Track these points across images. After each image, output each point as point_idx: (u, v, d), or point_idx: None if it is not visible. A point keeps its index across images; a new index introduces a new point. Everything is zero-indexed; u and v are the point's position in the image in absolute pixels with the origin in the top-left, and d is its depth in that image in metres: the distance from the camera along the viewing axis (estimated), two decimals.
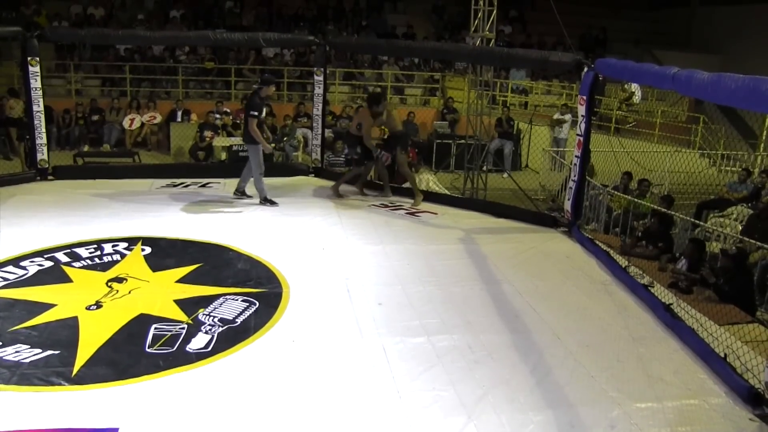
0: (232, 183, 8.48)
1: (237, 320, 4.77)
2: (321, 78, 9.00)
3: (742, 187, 9.50)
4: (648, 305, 5.32)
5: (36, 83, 8.09)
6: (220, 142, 11.76)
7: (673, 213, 7.40)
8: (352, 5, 17.89)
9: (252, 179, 7.66)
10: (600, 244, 6.56)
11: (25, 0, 15.80)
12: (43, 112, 8.24)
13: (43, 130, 8.30)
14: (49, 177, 8.41)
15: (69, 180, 8.38)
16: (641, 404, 3.97)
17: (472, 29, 9.85)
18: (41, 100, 8.17)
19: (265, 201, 7.62)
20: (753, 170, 10.34)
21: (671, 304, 5.10)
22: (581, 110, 6.85)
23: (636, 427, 3.75)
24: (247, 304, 5.03)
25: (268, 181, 8.48)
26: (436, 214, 7.64)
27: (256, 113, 7.35)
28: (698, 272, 5.99)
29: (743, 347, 4.47)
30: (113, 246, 6.07)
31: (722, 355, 4.36)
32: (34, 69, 8.06)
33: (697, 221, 8.04)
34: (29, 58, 8.02)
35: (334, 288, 5.44)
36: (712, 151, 12.04)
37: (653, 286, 5.51)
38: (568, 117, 12.88)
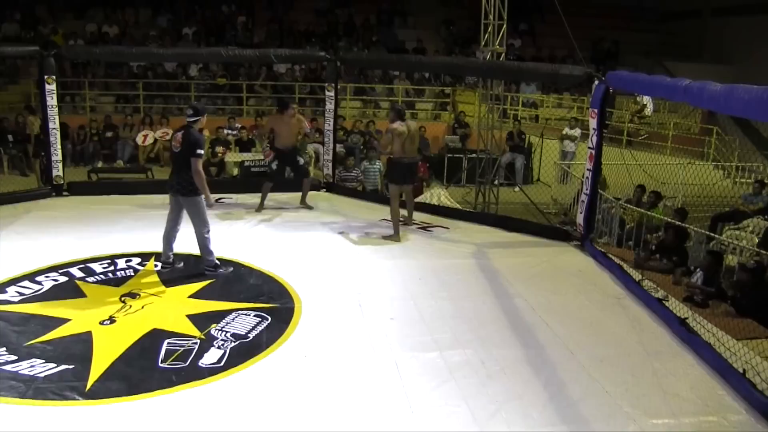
0: (243, 198, 8.57)
1: (249, 335, 4.77)
2: (332, 93, 9.06)
3: (757, 199, 9.41)
4: (662, 319, 5.26)
5: (52, 101, 8.20)
6: (232, 157, 11.84)
7: (687, 226, 7.34)
8: (362, 20, 18.02)
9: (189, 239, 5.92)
10: (613, 258, 6.51)
11: (42, 19, 16.08)
12: (58, 129, 8.35)
13: (59, 146, 8.40)
14: (64, 193, 8.50)
15: (83, 196, 8.47)
16: (657, 420, 3.92)
17: (483, 43, 9.88)
18: (57, 117, 8.28)
19: (217, 268, 5.88)
20: (767, 182, 10.24)
21: (687, 318, 5.05)
22: (592, 123, 6.83)
23: None
24: (260, 319, 5.03)
25: (280, 196, 8.51)
26: (447, 228, 7.63)
27: (202, 152, 5.69)
28: (714, 286, 5.92)
29: (763, 363, 4.39)
30: (126, 261, 6.11)
31: (741, 370, 4.29)
32: (51, 87, 8.18)
33: (712, 234, 7.96)
34: (46, 77, 8.14)
35: (345, 303, 5.43)
36: (726, 163, 11.96)
37: (668, 300, 5.46)
38: (577, 132, 12.84)
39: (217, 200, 8.44)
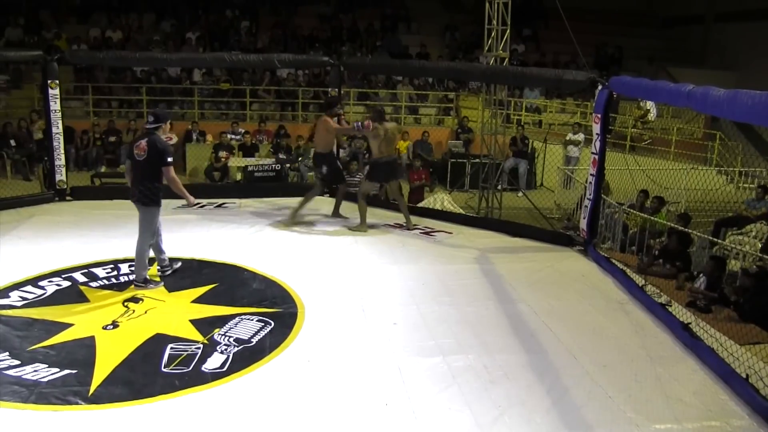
0: (247, 203, 8.58)
1: (252, 340, 4.77)
2: None
3: (760, 204, 9.39)
4: (666, 324, 5.25)
5: (55, 105, 8.23)
6: (236, 162, 11.87)
7: (690, 231, 7.33)
8: (366, 26, 18.07)
9: (151, 247, 5.73)
10: (616, 263, 6.50)
11: (46, 24, 16.16)
12: (62, 134, 8.37)
13: (62, 151, 8.41)
14: (67, 198, 8.52)
15: (86, 200, 8.49)
16: (660, 425, 3.91)
17: (486, 48, 9.90)
18: (60, 121, 8.30)
19: (147, 283, 5.65)
20: None
21: (690, 323, 5.04)
22: (596, 128, 6.83)
23: None
24: (263, 324, 5.04)
25: (284, 201, 8.53)
26: (451, 233, 7.63)
27: (172, 159, 5.56)
28: (717, 291, 5.91)
29: (766, 367, 4.39)
30: (129, 266, 6.10)
31: (744, 375, 4.28)
32: (54, 91, 8.20)
33: (715, 239, 7.95)
34: (49, 81, 8.16)
35: (349, 308, 5.43)
36: (729, 168, 11.95)
37: (671, 305, 5.44)
38: (581, 137, 12.85)
39: (219, 205, 8.51)
